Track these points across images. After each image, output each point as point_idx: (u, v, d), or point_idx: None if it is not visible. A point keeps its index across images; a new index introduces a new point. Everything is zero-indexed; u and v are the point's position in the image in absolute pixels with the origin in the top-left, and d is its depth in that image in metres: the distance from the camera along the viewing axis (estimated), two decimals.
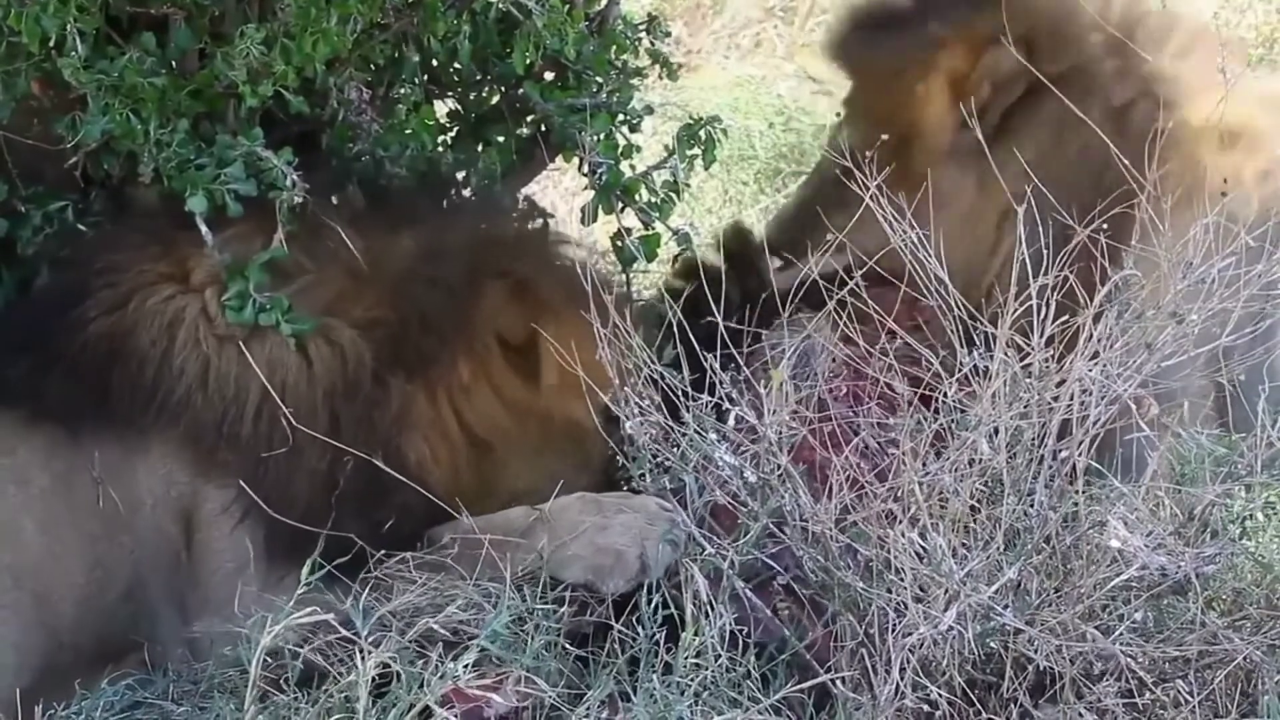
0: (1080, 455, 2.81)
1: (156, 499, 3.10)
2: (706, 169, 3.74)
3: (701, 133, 3.62)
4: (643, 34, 3.80)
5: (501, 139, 3.75)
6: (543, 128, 3.71)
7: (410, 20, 3.43)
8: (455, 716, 2.71)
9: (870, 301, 3.13)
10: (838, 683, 2.80)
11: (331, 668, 2.78)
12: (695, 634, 2.79)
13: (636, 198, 3.60)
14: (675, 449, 3.04)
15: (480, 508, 3.19)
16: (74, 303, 3.13)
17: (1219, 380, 3.19)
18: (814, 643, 2.94)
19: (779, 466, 2.92)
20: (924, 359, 3.03)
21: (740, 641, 2.84)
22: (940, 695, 2.71)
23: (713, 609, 2.82)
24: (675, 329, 3.05)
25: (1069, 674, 2.74)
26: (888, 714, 2.71)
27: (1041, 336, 2.81)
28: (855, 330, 3.16)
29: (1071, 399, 2.80)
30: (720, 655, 2.80)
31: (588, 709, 2.77)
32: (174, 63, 3.26)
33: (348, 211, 3.28)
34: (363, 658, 2.65)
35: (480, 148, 3.76)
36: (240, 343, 3.10)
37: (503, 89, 3.78)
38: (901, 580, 2.73)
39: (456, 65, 3.65)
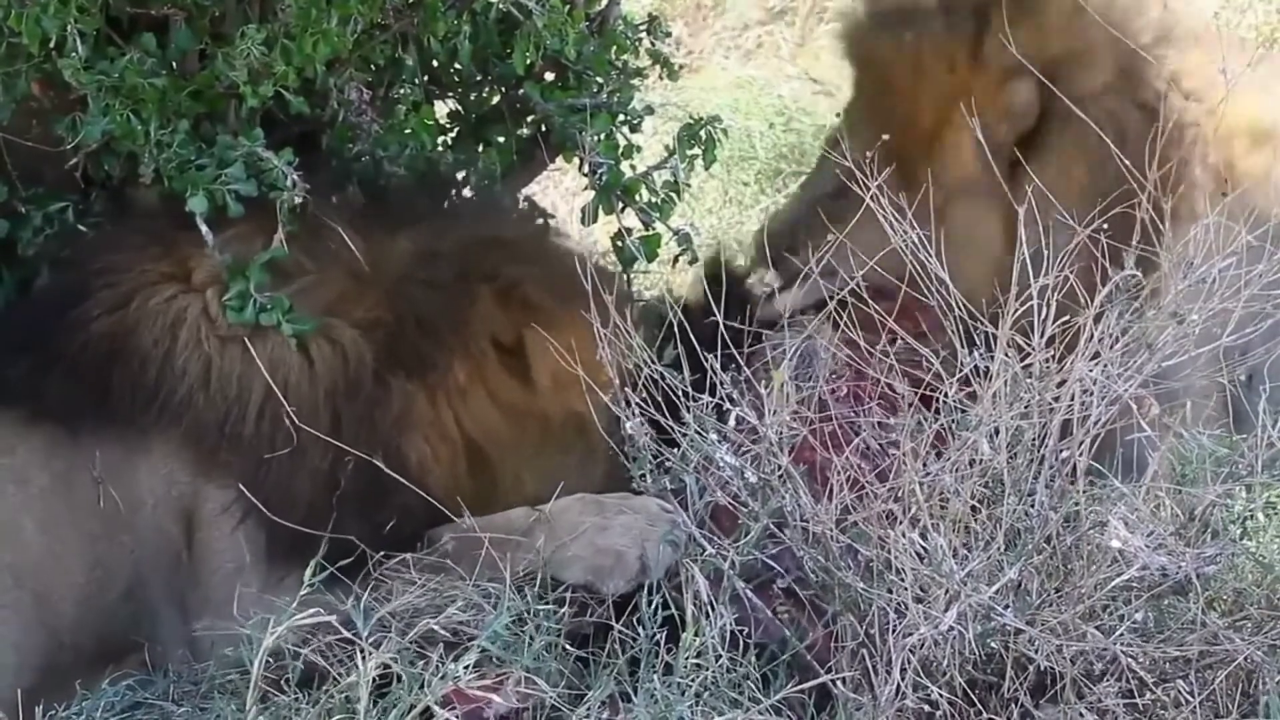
0: (1081, 455, 2.81)
1: (157, 499, 3.10)
2: (707, 169, 3.74)
3: (702, 133, 3.62)
4: (643, 34, 3.80)
5: (502, 139, 3.75)
6: (543, 128, 3.71)
7: (410, 21, 3.43)
8: (456, 717, 2.71)
9: (874, 306, 3.13)
10: (838, 683, 2.80)
11: (332, 668, 2.78)
12: (696, 634, 2.79)
13: (637, 198, 3.60)
14: (676, 450, 3.03)
15: (482, 510, 3.18)
16: (75, 303, 3.13)
17: (1220, 380, 3.18)
18: (814, 643, 2.94)
19: (779, 467, 2.92)
20: (926, 361, 3.02)
21: (741, 642, 2.84)
22: (941, 695, 2.71)
23: (713, 609, 2.82)
24: (676, 330, 3.05)
25: (1070, 674, 2.74)
26: (888, 714, 2.71)
27: (1042, 337, 2.81)
28: (858, 336, 3.16)
29: (1072, 399, 2.80)
30: (721, 656, 2.80)
31: (588, 709, 2.77)
32: (174, 63, 3.26)
33: (347, 212, 3.29)
34: (363, 658, 2.65)
35: (480, 148, 3.76)
36: (244, 341, 3.10)
37: (503, 89, 3.78)
38: (902, 580, 2.73)
39: (457, 66, 3.65)
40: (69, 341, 3.11)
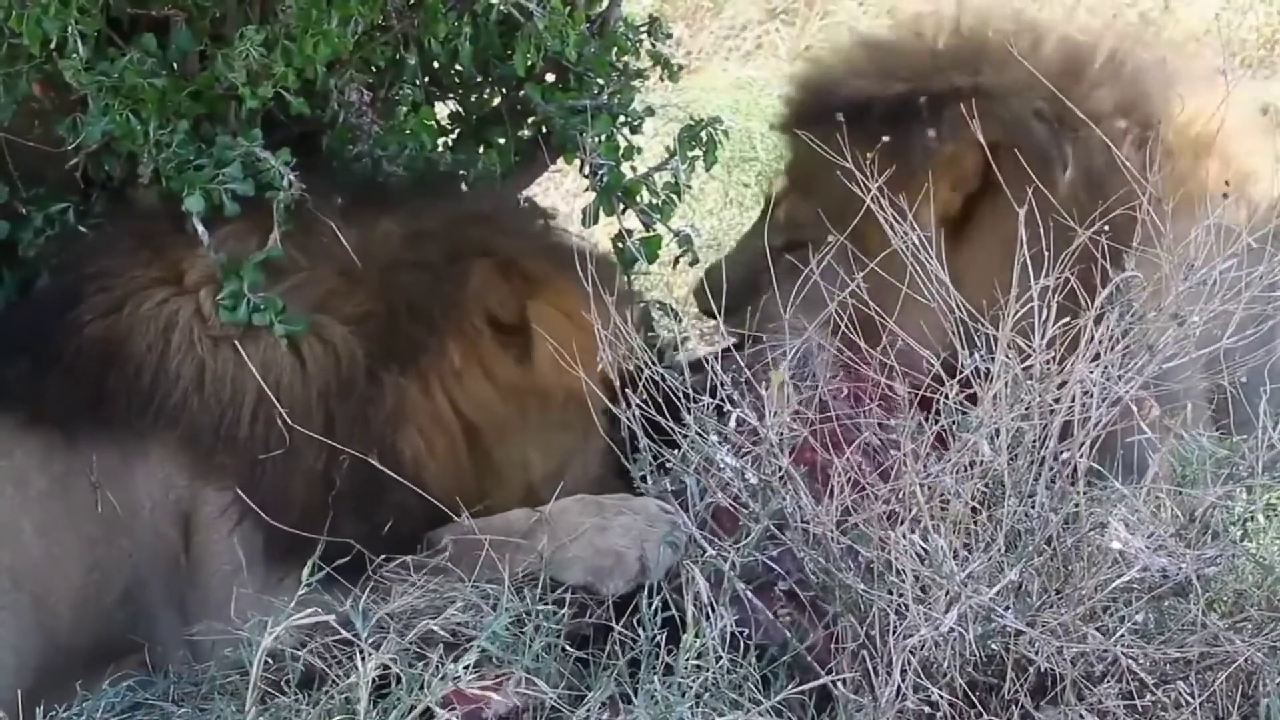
0: (1081, 457, 2.81)
1: (155, 502, 3.10)
2: (708, 170, 3.74)
3: (703, 134, 3.62)
4: (644, 36, 3.80)
5: (502, 141, 3.75)
6: (544, 129, 3.71)
7: (411, 22, 3.43)
8: (456, 718, 2.71)
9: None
10: (839, 684, 2.80)
11: (331, 670, 2.78)
12: (696, 635, 2.79)
13: (637, 199, 3.60)
14: (676, 451, 3.03)
15: (484, 496, 3.20)
16: (69, 306, 3.13)
17: (1219, 382, 3.18)
18: (815, 644, 2.94)
19: (780, 468, 2.92)
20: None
21: (741, 643, 2.84)
22: (941, 697, 2.71)
23: (713, 611, 2.82)
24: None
25: (1070, 675, 2.74)
26: (889, 715, 2.71)
27: (1043, 339, 2.81)
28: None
29: (1073, 401, 2.80)
30: (721, 657, 2.80)
31: (588, 710, 2.77)
32: (174, 64, 3.26)
33: (338, 205, 3.28)
34: (363, 659, 2.65)
35: (481, 149, 3.76)
36: (235, 343, 3.10)
37: (504, 91, 3.78)
38: (903, 582, 2.73)
39: (457, 67, 3.66)
40: (64, 345, 3.11)
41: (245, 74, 3.13)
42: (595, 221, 3.60)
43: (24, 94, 3.23)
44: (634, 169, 3.63)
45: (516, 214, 3.53)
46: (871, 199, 3.01)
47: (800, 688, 2.80)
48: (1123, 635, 2.72)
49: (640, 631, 2.86)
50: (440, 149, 3.71)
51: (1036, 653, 2.75)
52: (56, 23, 3.01)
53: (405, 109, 3.61)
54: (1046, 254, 2.89)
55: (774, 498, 2.93)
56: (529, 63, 3.49)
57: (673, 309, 3.88)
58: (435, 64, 3.69)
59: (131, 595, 3.09)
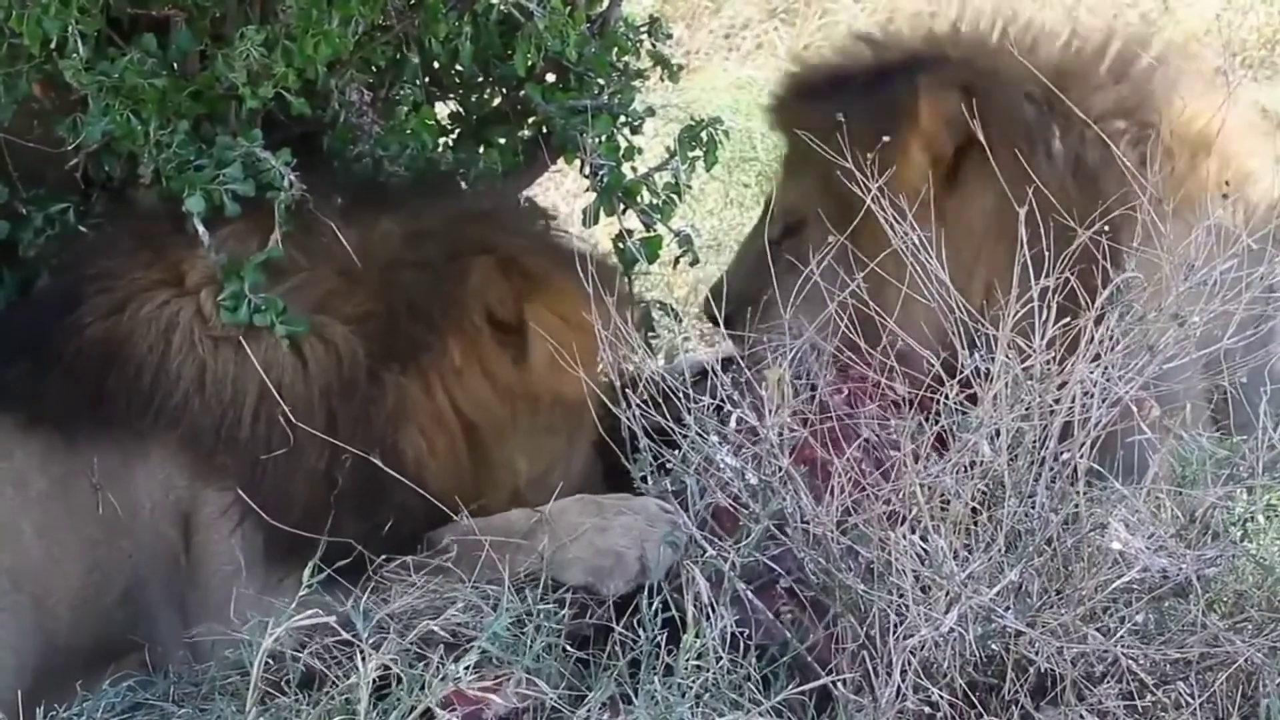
0: (1081, 457, 2.81)
1: (155, 502, 3.10)
2: (708, 171, 3.73)
3: (703, 134, 3.62)
4: (644, 36, 3.80)
5: (503, 141, 3.76)
6: (544, 129, 3.71)
7: (412, 22, 3.43)
8: (456, 718, 2.71)
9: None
10: (839, 684, 2.80)
11: (332, 670, 2.78)
12: (696, 636, 2.79)
13: (638, 199, 3.60)
14: (676, 451, 3.03)
15: (480, 495, 3.20)
16: (69, 308, 3.14)
17: (1219, 383, 3.19)
18: (815, 644, 2.94)
19: (780, 468, 2.92)
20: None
21: (741, 643, 2.84)
22: (941, 697, 2.71)
23: (714, 611, 2.82)
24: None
25: (1070, 676, 2.74)
26: (889, 716, 2.71)
27: (1043, 339, 2.81)
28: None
29: (1073, 401, 2.80)
30: (721, 657, 2.80)
31: (588, 711, 2.77)
32: (175, 64, 3.26)
33: (338, 205, 3.28)
34: (363, 660, 2.65)
35: (481, 149, 3.76)
36: (235, 346, 3.10)
37: (504, 91, 3.78)
38: (903, 582, 2.73)
39: (458, 67, 3.66)
40: (64, 346, 3.11)
41: (246, 74, 3.13)
42: (595, 222, 3.60)
43: (24, 94, 3.23)
44: (634, 169, 3.63)
45: (516, 212, 3.53)
46: (859, 174, 3.02)
47: (800, 688, 2.80)
48: (1123, 636, 2.72)
49: (640, 632, 2.86)
50: (441, 149, 3.71)
51: (1037, 653, 2.75)
52: (57, 23, 3.01)
53: (406, 109, 3.62)
54: (1025, 233, 2.89)
55: (774, 498, 2.93)
56: (529, 63, 3.49)
57: (673, 309, 3.89)
58: (436, 64, 3.69)
59: (131, 596, 3.09)
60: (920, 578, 2.73)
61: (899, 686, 2.70)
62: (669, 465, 3.06)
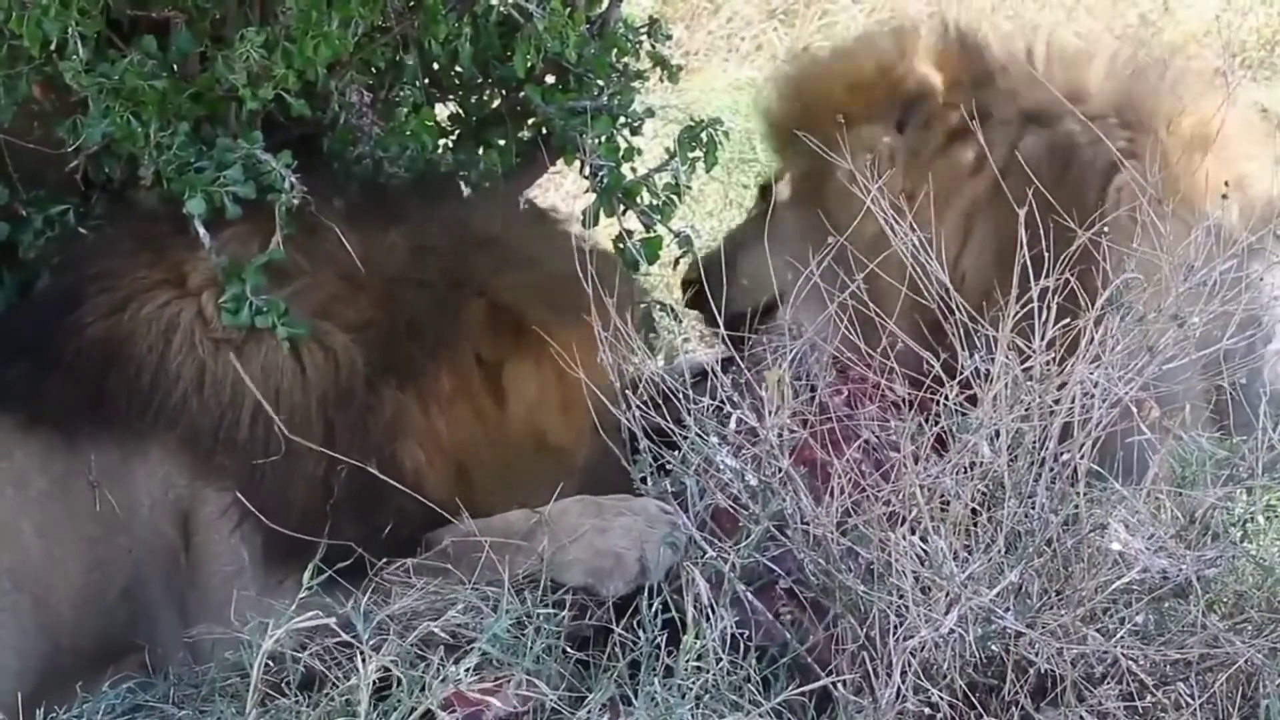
0: (1081, 458, 2.81)
1: (154, 501, 3.10)
2: (708, 171, 3.74)
3: (703, 135, 3.62)
4: (643, 37, 3.80)
5: (502, 142, 3.75)
6: (544, 130, 3.71)
7: (411, 23, 3.43)
8: None
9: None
10: (839, 686, 2.80)
11: (332, 672, 2.78)
12: (696, 637, 2.79)
13: (638, 200, 3.60)
14: (676, 452, 3.04)
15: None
16: (70, 308, 3.14)
17: (1219, 383, 3.19)
18: (815, 646, 2.94)
19: (780, 469, 2.92)
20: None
21: (741, 644, 2.84)
22: (941, 698, 2.71)
23: (714, 612, 2.82)
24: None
25: (1070, 677, 2.74)
26: (889, 717, 2.71)
27: (1042, 339, 2.81)
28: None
29: (1073, 402, 2.80)
30: (721, 658, 2.80)
31: (588, 712, 2.77)
32: (175, 66, 3.26)
33: (342, 209, 3.28)
34: (363, 661, 2.65)
35: (481, 151, 3.76)
36: (235, 348, 3.10)
37: (504, 92, 3.78)
38: (903, 583, 2.73)
39: (457, 68, 3.66)
40: (65, 346, 3.11)
41: (246, 76, 3.14)
42: (595, 223, 3.60)
43: (24, 96, 3.24)
44: (634, 170, 3.63)
45: (525, 235, 3.48)
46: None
47: (800, 689, 2.80)
48: (1123, 636, 2.72)
49: (640, 633, 2.86)
50: (440, 150, 3.71)
51: (1036, 654, 2.75)
52: (56, 24, 3.01)
53: (405, 110, 3.61)
54: (1024, 234, 2.92)
55: (774, 499, 2.93)
56: (529, 64, 3.49)
57: (673, 309, 3.89)
58: (435, 65, 3.69)
59: (132, 593, 3.09)
60: (920, 579, 2.73)
61: (899, 687, 2.70)
62: (669, 466, 3.06)
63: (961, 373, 2.90)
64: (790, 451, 2.95)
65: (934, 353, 2.98)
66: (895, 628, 2.73)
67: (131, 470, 3.09)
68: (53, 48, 3.07)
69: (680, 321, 3.98)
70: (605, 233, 3.70)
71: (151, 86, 3.14)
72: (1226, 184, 3.27)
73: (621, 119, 3.66)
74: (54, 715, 2.87)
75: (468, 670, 2.69)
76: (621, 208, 3.59)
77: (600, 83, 3.69)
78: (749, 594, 2.95)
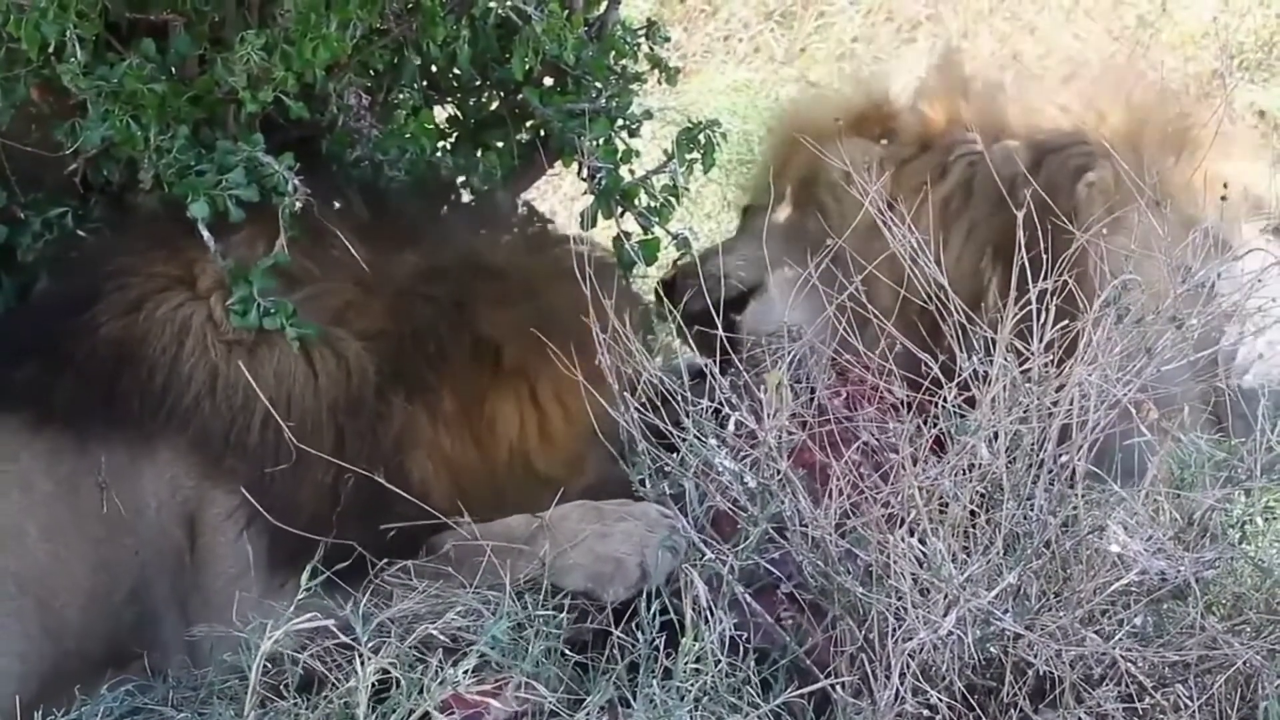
0: (1080, 460, 2.81)
1: (161, 501, 3.10)
2: (706, 173, 3.74)
3: (701, 137, 3.63)
4: (641, 39, 3.80)
5: (501, 144, 3.76)
6: (542, 133, 3.71)
7: (410, 26, 3.43)
8: None
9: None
10: (837, 688, 2.80)
11: (331, 674, 2.78)
12: (695, 639, 2.79)
13: (636, 202, 3.61)
14: (675, 455, 3.04)
15: None
16: (84, 307, 3.14)
17: (1217, 385, 3.20)
18: (814, 648, 2.94)
19: (779, 472, 2.92)
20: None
21: (740, 647, 2.84)
22: (940, 700, 2.71)
23: (712, 614, 2.82)
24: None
25: (1069, 679, 2.74)
26: (887, 719, 2.71)
27: (1041, 341, 2.81)
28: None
29: (1071, 404, 2.81)
30: (720, 661, 2.80)
31: (587, 714, 2.77)
32: (174, 69, 3.26)
33: (352, 221, 3.29)
34: (362, 663, 2.65)
35: (479, 153, 3.76)
36: (248, 351, 3.11)
37: (502, 94, 3.78)
38: (901, 585, 2.73)
39: (456, 71, 3.66)
40: (77, 346, 3.11)
41: (245, 78, 3.14)
42: (593, 225, 3.61)
43: (22, 98, 3.24)
44: (632, 172, 3.63)
45: (528, 265, 3.46)
46: None
47: (799, 691, 2.80)
48: (1121, 638, 2.72)
49: (639, 635, 2.86)
50: (439, 152, 3.71)
51: (1035, 656, 2.74)
52: (55, 27, 3.01)
53: (404, 113, 3.62)
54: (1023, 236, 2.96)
55: (772, 501, 2.93)
56: (527, 66, 3.49)
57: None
58: (434, 68, 3.69)
59: (138, 595, 3.10)
60: (919, 580, 2.73)
61: (898, 689, 2.70)
62: (667, 469, 3.07)
63: (960, 375, 2.91)
64: (789, 454, 2.95)
65: (932, 354, 2.98)
66: (894, 629, 2.73)
67: (140, 471, 3.09)
68: (51, 50, 3.07)
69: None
70: (604, 234, 3.70)
71: (150, 89, 3.14)
72: (1225, 184, 3.28)
73: (619, 121, 3.67)
74: (53, 717, 2.87)
75: (467, 672, 2.69)
76: (619, 210, 3.60)
77: (598, 85, 3.69)
78: (748, 596, 2.95)
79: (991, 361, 2.84)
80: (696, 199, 5.66)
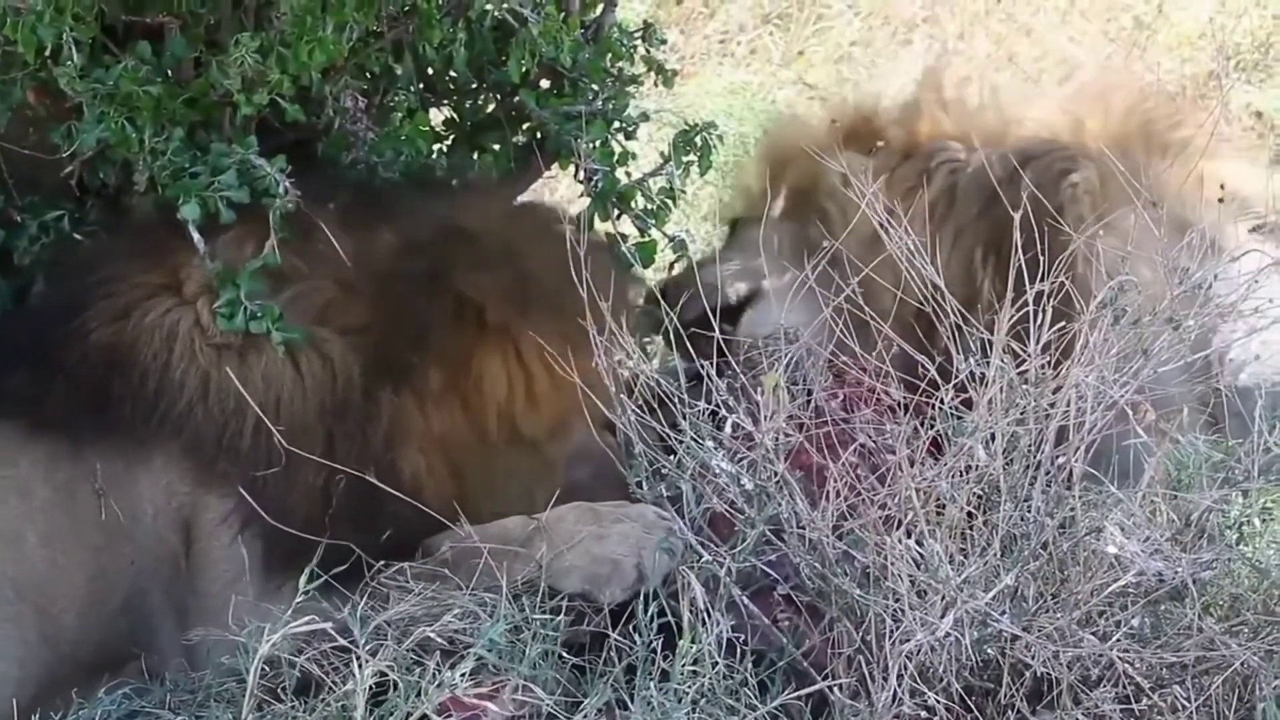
0: (1077, 461, 2.81)
1: (157, 508, 3.10)
2: (702, 175, 3.75)
3: (697, 139, 3.63)
4: (638, 41, 3.80)
5: (497, 146, 3.76)
6: (538, 135, 3.72)
7: (406, 28, 3.43)
8: None
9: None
10: (835, 689, 2.80)
11: (328, 677, 2.78)
12: (692, 641, 2.79)
13: (632, 205, 3.61)
14: (672, 457, 3.04)
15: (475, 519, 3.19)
16: (74, 314, 3.13)
17: (1214, 386, 3.20)
18: (811, 649, 2.94)
19: (776, 473, 2.92)
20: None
21: (737, 649, 2.84)
22: (938, 702, 2.71)
23: (710, 616, 2.82)
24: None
25: (1066, 680, 2.74)
26: None
27: (1038, 343, 2.81)
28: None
29: (1068, 405, 2.81)
30: (717, 662, 2.80)
31: (585, 717, 2.77)
32: (169, 71, 3.26)
33: (335, 211, 3.28)
34: (360, 666, 2.65)
35: (476, 155, 3.76)
36: (237, 355, 3.10)
37: (498, 97, 3.78)
38: (898, 587, 2.73)
39: (452, 73, 3.66)
40: (68, 353, 3.10)
41: (240, 81, 3.13)
42: (590, 227, 3.60)
43: (19, 101, 3.23)
44: (628, 174, 3.63)
45: (508, 229, 3.47)
46: None
47: (797, 693, 2.80)
48: (1119, 639, 2.73)
49: (637, 638, 2.86)
50: (435, 155, 3.71)
51: (1032, 657, 2.75)
52: (51, 30, 3.01)
53: (400, 115, 3.61)
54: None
55: (769, 503, 2.93)
56: (524, 69, 3.49)
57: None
58: (430, 70, 3.69)
59: (133, 603, 3.09)
60: (916, 582, 2.73)
61: (895, 691, 2.70)
62: (664, 471, 3.06)
63: (956, 376, 2.91)
64: (786, 455, 2.95)
65: (929, 356, 2.98)
66: (891, 631, 2.73)
67: (135, 478, 3.09)
68: (47, 53, 3.07)
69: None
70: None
71: (146, 92, 3.14)
72: (1222, 186, 3.29)
73: (616, 123, 3.67)
74: None
75: (464, 675, 2.69)
76: (616, 212, 3.60)
77: (595, 87, 3.69)
78: (745, 598, 2.94)
79: (988, 363, 2.84)
80: (693, 201, 5.65)
